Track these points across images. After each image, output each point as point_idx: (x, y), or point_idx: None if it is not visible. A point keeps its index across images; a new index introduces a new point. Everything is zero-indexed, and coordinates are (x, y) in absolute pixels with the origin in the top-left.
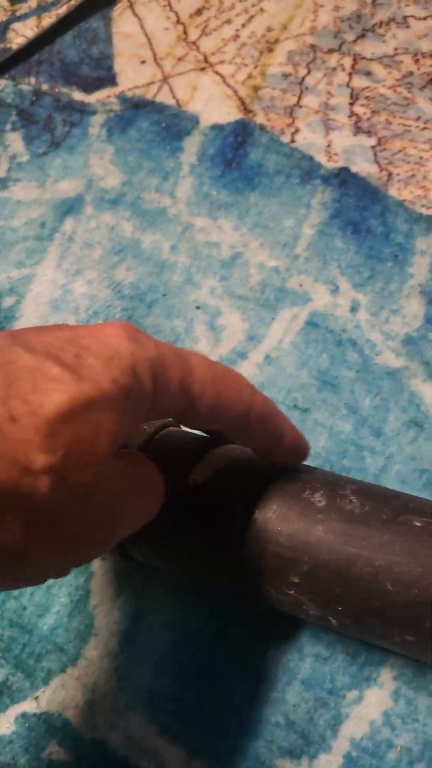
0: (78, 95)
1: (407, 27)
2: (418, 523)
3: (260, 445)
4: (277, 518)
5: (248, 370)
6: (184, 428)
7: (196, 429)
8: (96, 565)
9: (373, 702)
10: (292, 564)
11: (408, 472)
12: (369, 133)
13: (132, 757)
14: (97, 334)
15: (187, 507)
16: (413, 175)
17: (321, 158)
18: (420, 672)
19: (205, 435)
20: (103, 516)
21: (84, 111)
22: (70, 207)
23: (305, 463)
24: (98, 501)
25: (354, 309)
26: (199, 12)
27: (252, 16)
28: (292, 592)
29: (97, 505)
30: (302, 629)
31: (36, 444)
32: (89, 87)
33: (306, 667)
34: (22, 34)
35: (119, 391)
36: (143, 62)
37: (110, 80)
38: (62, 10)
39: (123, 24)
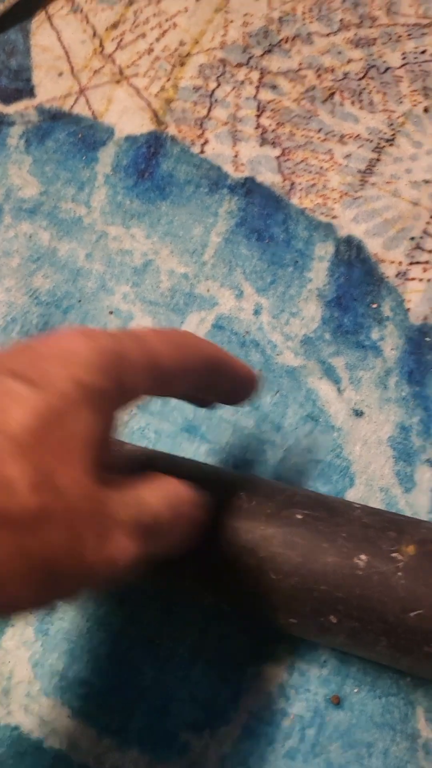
0: None
1: (311, 43)
2: (299, 516)
3: (224, 390)
4: None
5: None
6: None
7: (168, 396)
8: None
9: (270, 675)
10: (189, 557)
11: (304, 463)
12: (274, 144)
13: (45, 739)
14: (50, 340)
15: None
16: (314, 184)
17: (228, 168)
18: (312, 645)
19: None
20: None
21: (2, 122)
22: None
23: (208, 461)
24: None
25: (257, 312)
26: (115, 25)
27: (165, 31)
28: (187, 582)
29: (83, 521)
30: (206, 612)
31: (9, 464)
32: (8, 98)
33: (209, 646)
34: None
35: (84, 390)
36: (61, 74)
37: (28, 92)
38: None
39: (41, 37)
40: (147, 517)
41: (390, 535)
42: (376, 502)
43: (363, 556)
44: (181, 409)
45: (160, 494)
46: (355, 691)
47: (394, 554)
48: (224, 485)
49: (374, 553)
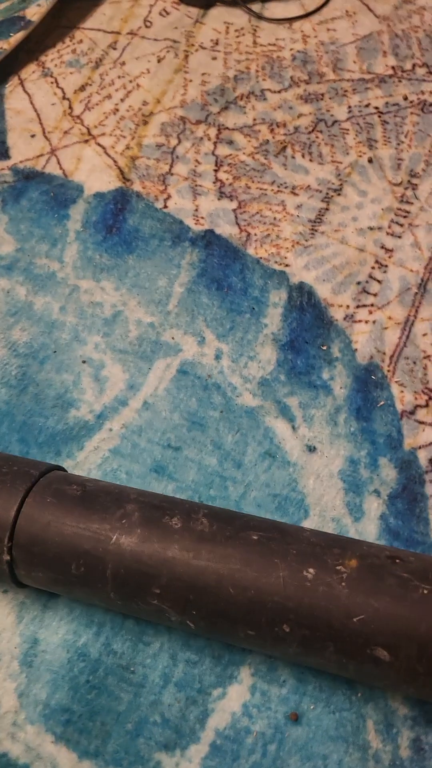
0: None
1: (264, 99)
2: (254, 537)
3: None
4: (141, 541)
5: (129, 415)
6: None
7: None
8: None
9: (234, 696)
10: (154, 578)
11: (263, 497)
12: (231, 197)
13: (31, 764)
14: None
15: (71, 536)
16: (268, 235)
17: (189, 222)
18: (273, 667)
19: (88, 479)
20: None
21: None
22: None
23: (174, 494)
24: None
25: (218, 357)
26: (83, 88)
27: (129, 92)
28: (155, 601)
29: None
30: (176, 639)
31: None
32: None
33: (179, 671)
34: None
35: None
36: (33, 136)
37: (3, 153)
38: None
39: (14, 100)
40: None
41: (335, 551)
42: (328, 531)
43: (311, 570)
44: (150, 452)
45: None
46: (312, 707)
47: (338, 567)
48: (189, 513)
49: (321, 567)
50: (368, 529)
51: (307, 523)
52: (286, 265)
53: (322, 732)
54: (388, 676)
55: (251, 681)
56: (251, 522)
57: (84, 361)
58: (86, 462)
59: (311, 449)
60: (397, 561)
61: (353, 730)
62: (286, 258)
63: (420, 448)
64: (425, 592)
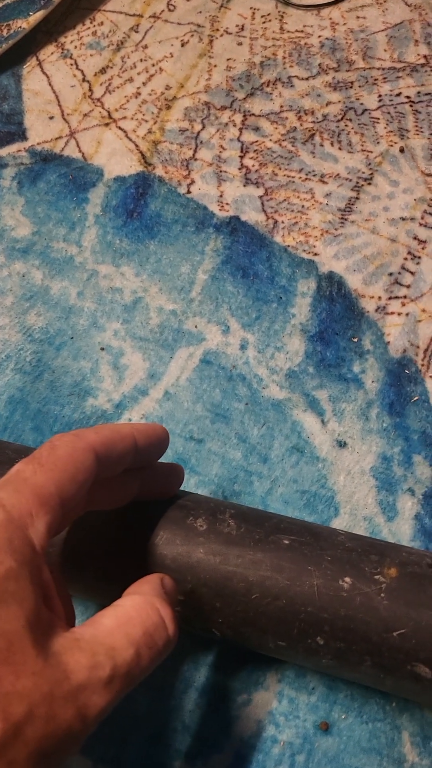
0: None
1: (292, 86)
2: (286, 541)
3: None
4: (163, 543)
5: (149, 405)
6: None
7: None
8: None
9: (260, 703)
10: (178, 584)
11: (290, 493)
12: (257, 184)
13: None
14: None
15: (90, 546)
16: (296, 223)
17: (214, 208)
18: (301, 673)
19: None
20: None
21: None
22: None
23: (198, 492)
24: None
25: (243, 347)
26: (103, 70)
27: (152, 75)
28: (178, 608)
29: None
30: (197, 642)
31: None
32: (0, 141)
33: (201, 675)
34: None
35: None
36: (51, 118)
37: (20, 135)
38: None
39: (32, 81)
40: (120, 668)
41: (372, 558)
42: (360, 531)
43: (347, 579)
44: (171, 444)
45: (133, 632)
46: (343, 717)
47: (376, 576)
48: (214, 513)
49: (358, 576)
50: (402, 529)
51: (338, 522)
52: (315, 254)
53: (354, 743)
54: (429, 692)
55: (278, 687)
56: (281, 524)
57: (102, 349)
58: None
59: (341, 444)
60: None
61: (387, 741)
62: (315, 246)
63: None
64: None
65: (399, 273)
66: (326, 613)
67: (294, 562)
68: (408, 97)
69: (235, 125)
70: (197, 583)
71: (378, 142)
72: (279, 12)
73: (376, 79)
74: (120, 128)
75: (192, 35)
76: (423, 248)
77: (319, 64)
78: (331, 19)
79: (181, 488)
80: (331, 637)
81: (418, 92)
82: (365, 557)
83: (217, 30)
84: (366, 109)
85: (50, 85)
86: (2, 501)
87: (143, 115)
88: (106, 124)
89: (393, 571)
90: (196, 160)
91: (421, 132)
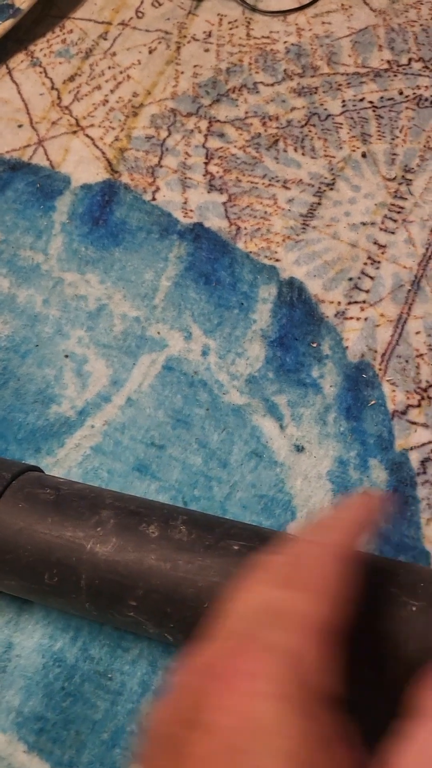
0: None
1: (257, 92)
2: (236, 547)
3: None
4: (116, 551)
5: (112, 412)
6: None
7: None
8: None
9: None
10: (130, 589)
11: (249, 498)
12: (221, 190)
13: None
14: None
15: (44, 544)
16: (258, 229)
17: (178, 214)
18: None
19: (63, 481)
20: None
21: None
22: None
23: (158, 497)
24: None
25: (204, 353)
26: (72, 78)
27: (120, 83)
28: (131, 614)
29: None
30: (153, 646)
31: None
32: None
33: (158, 678)
34: None
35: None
36: (20, 126)
37: None
38: None
39: (1, 90)
40: None
41: None
42: None
43: None
44: (132, 450)
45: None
46: None
47: None
48: (167, 519)
49: None
50: None
51: (295, 525)
52: (277, 260)
53: None
54: None
55: None
56: (232, 530)
57: (67, 356)
58: (66, 459)
59: (299, 449)
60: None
61: None
62: (276, 252)
63: (411, 449)
64: (414, 609)
65: (359, 278)
66: None
67: (242, 568)
68: (371, 102)
69: (200, 132)
70: (149, 589)
71: (341, 147)
72: (246, 18)
73: (340, 85)
74: (87, 136)
75: (160, 42)
76: (383, 253)
77: (285, 70)
78: (297, 24)
79: (139, 494)
80: None
81: (381, 97)
82: None
83: (185, 37)
84: (330, 115)
85: (19, 93)
86: None
87: (110, 122)
88: (74, 132)
89: None
90: (161, 167)
91: (383, 137)
